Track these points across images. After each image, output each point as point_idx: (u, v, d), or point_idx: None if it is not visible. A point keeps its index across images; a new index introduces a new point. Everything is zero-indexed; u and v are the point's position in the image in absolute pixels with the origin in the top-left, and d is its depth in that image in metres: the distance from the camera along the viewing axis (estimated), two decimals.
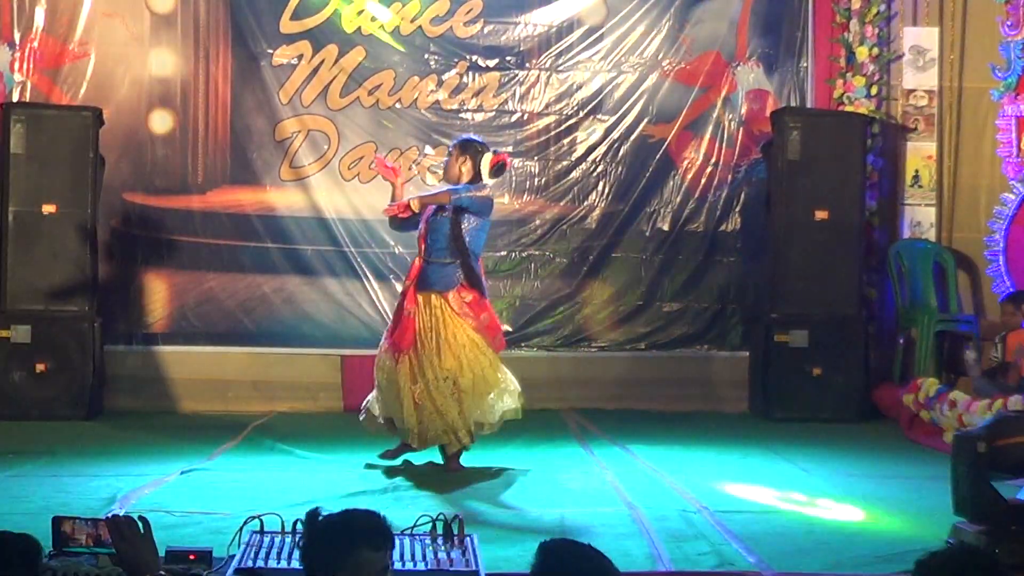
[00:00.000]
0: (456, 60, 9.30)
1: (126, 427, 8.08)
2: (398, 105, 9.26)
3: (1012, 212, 9.26)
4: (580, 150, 9.39)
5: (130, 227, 9.10)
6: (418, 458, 6.77)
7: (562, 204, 9.38)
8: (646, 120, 9.38)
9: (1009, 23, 9.27)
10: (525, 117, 9.36)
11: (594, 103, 9.40)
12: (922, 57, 9.26)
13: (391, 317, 7.08)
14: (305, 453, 7.14)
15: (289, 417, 8.59)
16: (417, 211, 6.69)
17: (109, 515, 4.04)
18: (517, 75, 9.35)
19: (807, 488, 6.33)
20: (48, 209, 8.37)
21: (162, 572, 3.72)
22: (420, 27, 9.26)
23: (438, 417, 6.47)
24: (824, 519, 5.56)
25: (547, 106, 9.38)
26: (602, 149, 9.38)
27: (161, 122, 9.13)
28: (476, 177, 6.67)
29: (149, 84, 9.12)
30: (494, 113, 9.34)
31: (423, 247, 6.64)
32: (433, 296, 6.56)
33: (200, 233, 9.14)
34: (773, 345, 8.72)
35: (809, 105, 9.41)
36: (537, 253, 9.33)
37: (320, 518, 3.03)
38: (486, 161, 6.65)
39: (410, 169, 9.24)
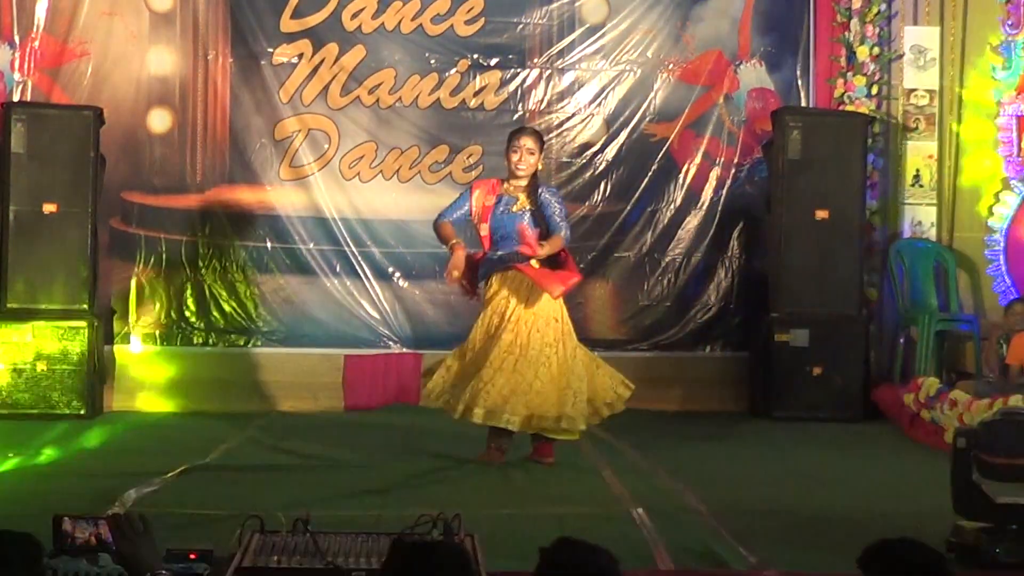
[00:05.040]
0: (457, 59, 9.29)
1: (126, 427, 8.08)
2: (399, 104, 9.26)
3: (1012, 212, 9.26)
4: (581, 149, 9.39)
5: (129, 226, 9.10)
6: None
7: None
8: (648, 119, 9.37)
9: (1010, 22, 9.27)
10: (526, 116, 9.35)
11: (596, 102, 9.39)
12: (923, 56, 9.26)
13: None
14: (305, 453, 7.13)
15: (289, 417, 8.58)
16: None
17: (110, 514, 4.04)
18: (518, 74, 9.35)
19: (807, 488, 6.33)
20: (49, 208, 8.36)
21: (163, 571, 3.72)
22: (420, 25, 9.25)
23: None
24: (824, 519, 5.56)
25: (548, 105, 9.37)
26: (604, 148, 9.38)
27: (160, 121, 9.11)
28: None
29: (148, 83, 9.11)
30: (495, 112, 9.33)
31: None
32: None
33: (199, 233, 9.13)
34: (773, 344, 8.71)
35: (810, 104, 9.41)
36: None
37: (407, 547, 2.96)
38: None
39: (411, 168, 9.24)
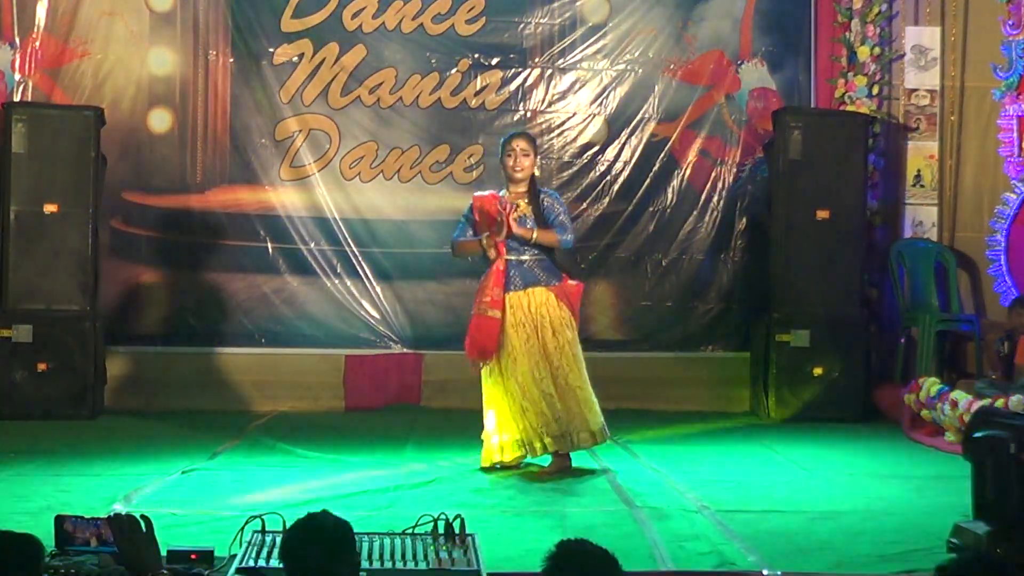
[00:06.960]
0: (458, 58, 9.29)
1: (127, 427, 8.08)
2: (399, 104, 9.26)
3: (1013, 212, 9.26)
4: (582, 150, 9.38)
5: (130, 226, 9.10)
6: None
7: None
8: (649, 119, 9.38)
9: (1011, 23, 9.27)
10: (528, 116, 9.35)
11: (597, 102, 9.39)
12: (924, 57, 9.27)
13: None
14: (306, 453, 7.14)
15: (290, 417, 8.58)
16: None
17: (111, 514, 4.05)
18: (519, 73, 9.35)
19: (807, 488, 6.32)
20: (50, 208, 8.36)
21: (164, 571, 3.72)
22: (421, 25, 9.25)
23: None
24: (824, 519, 5.55)
25: (550, 105, 9.37)
26: (605, 148, 9.38)
27: (160, 121, 9.12)
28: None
29: (148, 83, 9.11)
30: (496, 112, 9.33)
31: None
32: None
33: (200, 233, 9.13)
34: (774, 345, 8.71)
35: (811, 104, 9.41)
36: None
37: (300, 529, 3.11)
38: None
39: (411, 168, 9.24)
